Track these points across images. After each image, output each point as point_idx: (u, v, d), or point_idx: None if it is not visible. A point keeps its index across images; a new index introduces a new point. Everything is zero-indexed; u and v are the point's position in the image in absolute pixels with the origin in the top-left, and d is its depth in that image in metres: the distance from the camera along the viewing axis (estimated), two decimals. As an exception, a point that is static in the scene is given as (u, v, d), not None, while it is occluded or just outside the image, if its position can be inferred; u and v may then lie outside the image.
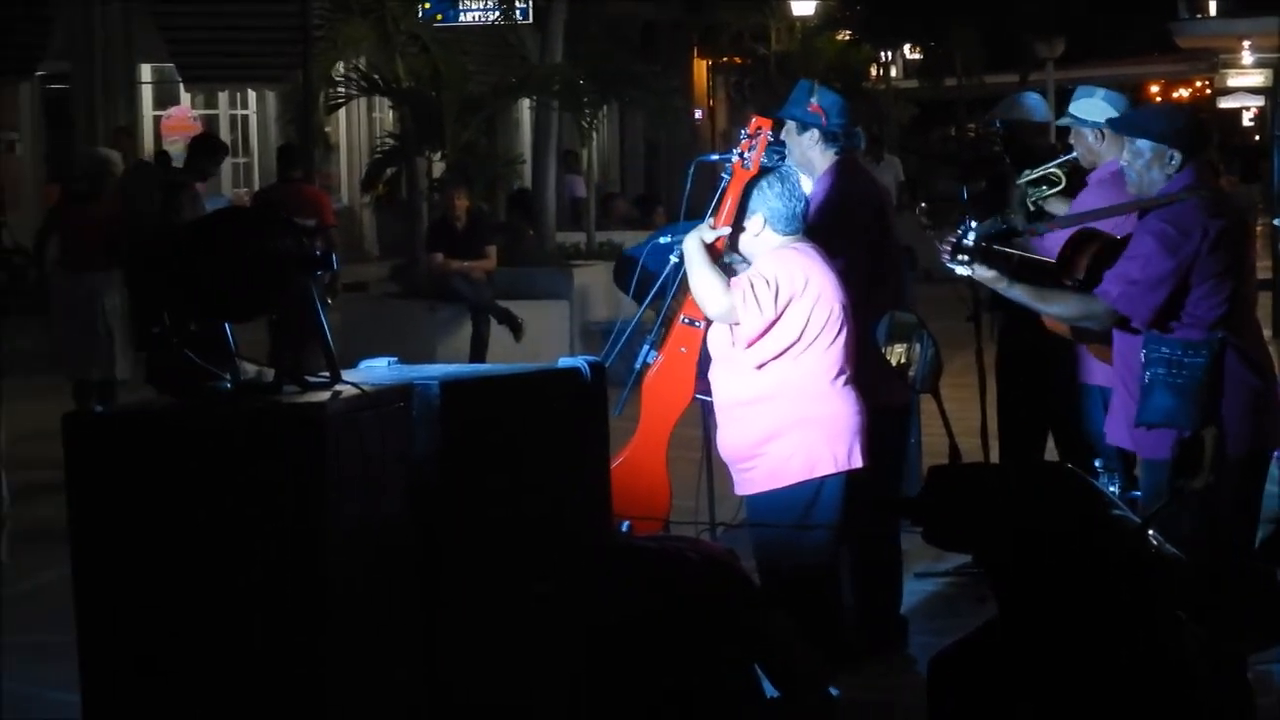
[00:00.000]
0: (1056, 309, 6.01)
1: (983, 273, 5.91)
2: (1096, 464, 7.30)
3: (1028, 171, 7.38)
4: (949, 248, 5.93)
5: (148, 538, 4.36)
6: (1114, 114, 6.87)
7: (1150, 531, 4.45)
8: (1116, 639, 4.28)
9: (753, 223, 5.95)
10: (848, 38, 37.90)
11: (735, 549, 5.79)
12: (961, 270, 5.93)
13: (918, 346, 5.62)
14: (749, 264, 5.96)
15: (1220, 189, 5.89)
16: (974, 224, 6.02)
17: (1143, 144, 5.77)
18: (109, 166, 11.52)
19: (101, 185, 11.25)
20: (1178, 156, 5.73)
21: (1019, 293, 5.94)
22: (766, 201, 5.94)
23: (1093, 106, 7.03)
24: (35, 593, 7.72)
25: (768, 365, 5.84)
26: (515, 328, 14.23)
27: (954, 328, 7.87)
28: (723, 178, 6.21)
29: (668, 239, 6.57)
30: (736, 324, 5.82)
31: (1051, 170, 7.38)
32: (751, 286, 5.78)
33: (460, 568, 4.71)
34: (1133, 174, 5.81)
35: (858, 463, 5.91)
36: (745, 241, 5.98)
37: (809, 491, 5.86)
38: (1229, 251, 5.74)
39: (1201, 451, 6.08)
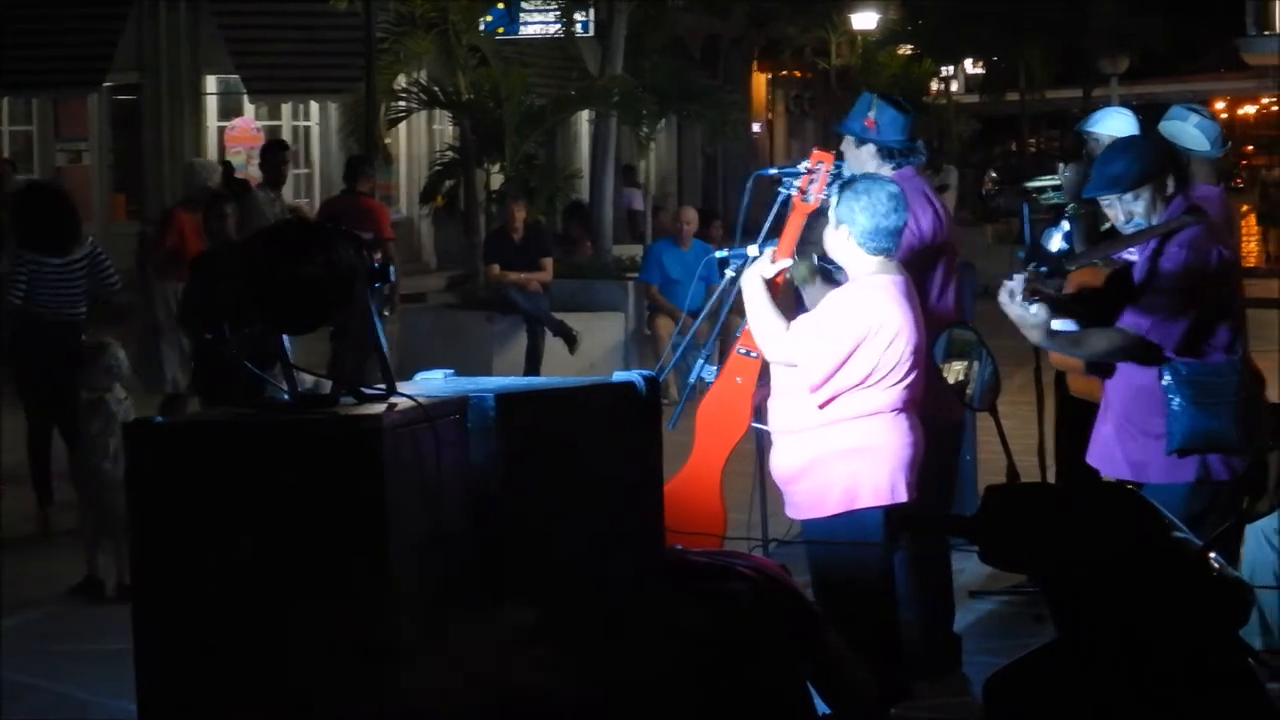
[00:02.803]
0: (1088, 350, 5.81)
1: (1039, 316, 5.50)
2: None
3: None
4: (1023, 286, 5.46)
5: (206, 548, 4.38)
6: (1206, 146, 6.66)
7: (1212, 554, 4.40)
8: (1176, 662, 4.24)
9: (839, 233, 5.68)
10: (909, 52, 37.84)
11: (788, 565, 5.75)
12: (1017, 310, 5.45)
13: (976, 364, 5.54)
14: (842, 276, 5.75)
15: (1202, 209, 5.76)
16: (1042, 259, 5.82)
17: (1144, 190, 5.60)
18: (212, 176, 11.65)
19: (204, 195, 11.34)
20: (1172, 183, 5.65)
21: (1059, 343, 5.75)
22: (853, 216, 5.64)
23: (1183, 132, 6.78)
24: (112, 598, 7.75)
25: (830, 403, 5.64)
26: (570, 340, 14.19)
27: (1013, 345, 7.80)
28: (779, 192, 6.16)
29: (723, 254, 6.47)
30: (793, 366, 5.64)
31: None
32: (812, 331, 5.57)
33: (518, 579, 4.71)
34: (1142, 222, 5.61)
35: (901, 497, 5.70)
36: (834, 251, 5.72)
37: (849, 524, 5.68)
38: (1235, 272, 5.78)
39: (1266, 474, 6.04)
